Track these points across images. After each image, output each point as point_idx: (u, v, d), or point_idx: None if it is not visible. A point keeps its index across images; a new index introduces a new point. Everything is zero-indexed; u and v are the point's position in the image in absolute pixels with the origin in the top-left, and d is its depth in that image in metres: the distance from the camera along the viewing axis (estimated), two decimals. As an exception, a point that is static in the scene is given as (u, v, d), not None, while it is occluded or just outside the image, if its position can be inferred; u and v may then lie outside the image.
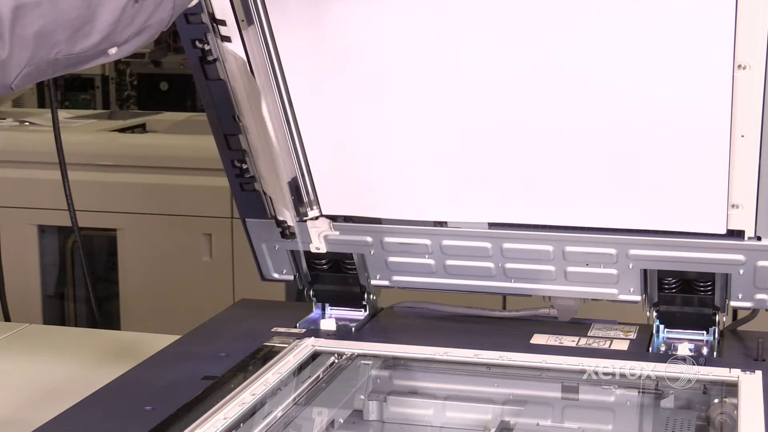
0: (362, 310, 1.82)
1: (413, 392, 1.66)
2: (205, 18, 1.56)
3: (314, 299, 1.83)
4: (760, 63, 1.41)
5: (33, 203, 3.34)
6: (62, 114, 3.71)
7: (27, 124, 3.73)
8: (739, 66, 1.42)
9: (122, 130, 3.74)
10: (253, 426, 1.43)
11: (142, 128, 3.93)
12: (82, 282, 3.43)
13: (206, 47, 1.59)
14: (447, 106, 1.58)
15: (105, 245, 3.39)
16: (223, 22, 1.56)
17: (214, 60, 1.60)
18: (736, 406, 1.42)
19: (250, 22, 1.57)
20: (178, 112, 4.67)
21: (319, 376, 1.61)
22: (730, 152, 1.49)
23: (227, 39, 1.58)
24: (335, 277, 1.82)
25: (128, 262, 3.35)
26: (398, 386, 1.67)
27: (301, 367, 1.62)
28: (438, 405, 1.61)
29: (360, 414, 1.59)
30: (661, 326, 1.68)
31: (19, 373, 1.87)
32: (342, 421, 1.57)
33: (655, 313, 1.68)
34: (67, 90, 6.43)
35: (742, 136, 1.48)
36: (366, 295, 1.81)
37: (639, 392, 1.56)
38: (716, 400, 1.49)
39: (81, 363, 1.90)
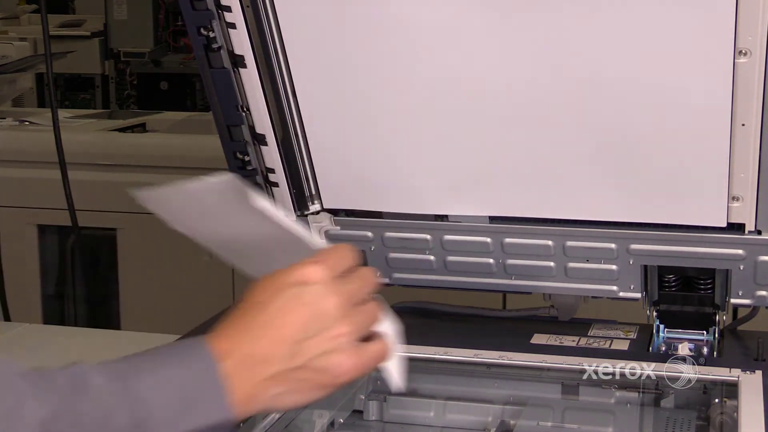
0: (362, 309, 1.81)
1: (413, 392, 1.65)
2: (211, 4, 1.56)
3: (314, 299, 1.82)
4: (761, 48, 1.38)
5: (33, 203, 3.34)
6: (62, 113, 3.71)
7: (27, 123, 3.73)
8: (740, 52, 1.39)
9: (122, 130, 3.74)
10: (253, 426, 1.42)
11: (142, 128, 3.93)
12: (82, 282, 3.43)
13: (211, 34, 1.59)
14: (449, 99, 1.57)
15: (105, 245, 3.39)
16: (228, 8, 1.56)
17: (219, 48, 1.60)
18: (736, 406, 1.42)
19: (255, 8, 1.57)
20: (178, 111, 4.67)
21: (319, 376, 1.61)
22: (731, 141, 1.47)
23: (232, 26, 1.58)
24: (335, 276, 1.81)
25: (128, 261, 3.35)
26: (398, 386, 1.66)
27: (301, 367, 1.61)
28: (438, 405, 1.61)
29: (360, 414, 1.59)
30: (662, 326, 1.68)
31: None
32: (342, 421, 1.57)
33: (655, 313, 1.68)
34: (67, 89, 6.43)
35: (743, 124, 1.45)
36: (366, 295, 1.80)
37: (639, 392, 1.56)
38: (716, 400, 1.49)
39: (81, 363, 1.89)
